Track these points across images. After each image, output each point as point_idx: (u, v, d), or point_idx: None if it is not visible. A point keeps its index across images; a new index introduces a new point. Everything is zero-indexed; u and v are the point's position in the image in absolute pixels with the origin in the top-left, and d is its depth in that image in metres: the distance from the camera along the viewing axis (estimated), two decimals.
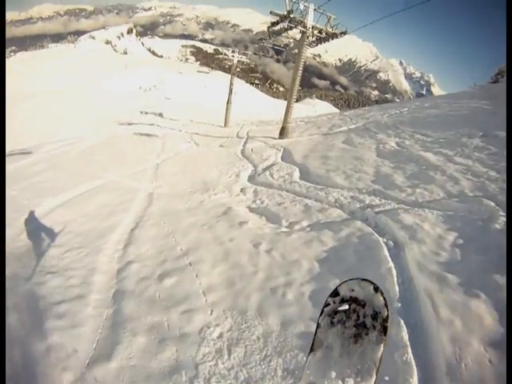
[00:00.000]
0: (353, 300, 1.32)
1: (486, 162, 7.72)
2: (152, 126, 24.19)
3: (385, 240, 4.69)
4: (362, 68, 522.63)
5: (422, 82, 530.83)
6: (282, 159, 11.10)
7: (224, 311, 3.55)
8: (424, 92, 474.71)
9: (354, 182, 7.65)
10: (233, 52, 28.09)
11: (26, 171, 10.87)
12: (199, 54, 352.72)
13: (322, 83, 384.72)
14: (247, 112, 45.97)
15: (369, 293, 1.31)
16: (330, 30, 15.93)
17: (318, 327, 1.34)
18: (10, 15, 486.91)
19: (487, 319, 2.97)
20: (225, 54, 28.94)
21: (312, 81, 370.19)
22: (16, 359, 3.03)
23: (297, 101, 16.80)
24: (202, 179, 9.21)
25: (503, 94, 11.43)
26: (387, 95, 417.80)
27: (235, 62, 27.85)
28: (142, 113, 37.64)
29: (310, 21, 15.12)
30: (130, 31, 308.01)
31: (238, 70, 29.77)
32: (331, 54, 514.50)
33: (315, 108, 77.68)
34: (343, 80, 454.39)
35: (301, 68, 15.82)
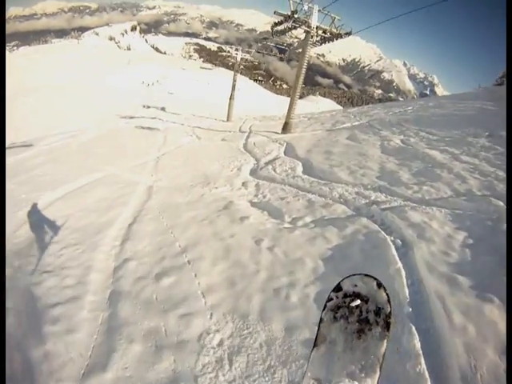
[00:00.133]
0: (356, 295, 1.32)
1: (493, 162, 7.52)
2: (154, 119, 23.97)
3: (392, 238, 4.50)
4: (366, 68, 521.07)
5: (425, 83, 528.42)
6: (285, 153, 10.94)
7: (224, 315, 3.37)
8: (428, 92, 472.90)
9: (359, 177, 7.47)
10: (236, 50, 27.94)
11: (26, 164, 10.70)
12: (203, 51, 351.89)
13: (325, 81, 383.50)
14: (250, 108, 45.79)
15: (372, 288, 1.30)
16: (335, 30, 15.82)
17: (321, 322, 1.33)
18: (13, 10, 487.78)
19: (501, 325, 2.80)
20: (228, 52, 28.75)
21: (315, 79, 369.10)
22: (7, 368, 2.82)
23: (300, 98, 16.67)
24: (202, 172, 9.05)
25: None
26: (391, 94, 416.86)
27: (238, 59, 27.78)
28: (144, 107, 37.38)
29: (314, 21, 14.98)
30: (133, 28, 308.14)
31: (242, 67, 29.62)
32: (335, 53, 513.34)
33: (318, 105, 77.50)
34: (347, 79, 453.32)
35: (304, 66, 15.66)
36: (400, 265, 3.80)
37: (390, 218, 5.13)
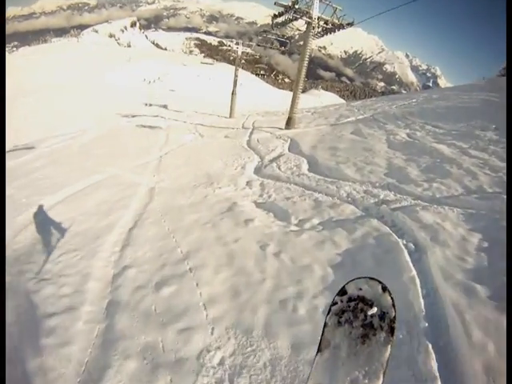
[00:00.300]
0: (360, 299, 1.29)
1: (502, 156, 7.30)
2: (156, 117, 23.76)
3: (404, 242, 4.29)
4: (368, 60, 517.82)
5: (428, 75, 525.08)
6: (289, 150, 10.73)
7: (227, 329, 3.15)
8: (430, 84, 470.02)
9: (366, 174, 7.26)
10: (237, 44, 27.61)
11: (26, 167, 10.58)
12: (203, 46, 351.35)
13: (327, 75, 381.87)
14: (253, 103, 45.50)
15: (376, 292, 1.27)
16: (337, 21, 15.57)
17: (325, 326, 1.30)
18: (12, 10, 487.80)
19: None
20: (229, 46, 28.46)
21: (318, 72, 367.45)
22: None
23: (303, 92, 16.45)
24: (206, 172, 8.86)
25: None
26: (393, 87, 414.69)
27: (240, 53, 27.39)
28: (145, 105, 37.20)
29: (315, 12, 14.73)
30: (133, 24, 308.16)
31: (243, 61, 29.40)
32: (336, 46, 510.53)
33: (321, 99, 77.18)
34: (349, 72, 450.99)
35: (307, 58, 15.42)
36: (414, 272, 3.59)
37: (401, 218, 4.92)
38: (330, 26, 15.72)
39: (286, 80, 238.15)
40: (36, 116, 29.31)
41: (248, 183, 7.60)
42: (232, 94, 27.29)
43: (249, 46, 28.19)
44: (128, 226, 5.73)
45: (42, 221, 6.22)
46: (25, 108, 32.54)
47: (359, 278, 1.31)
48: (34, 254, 4.93)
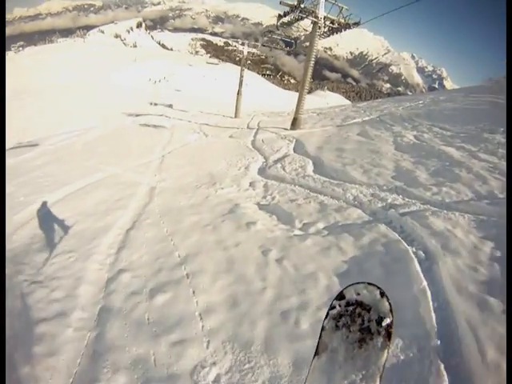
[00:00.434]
0: (358, 304, 1.30)
1: None
2: (160, 117, 23.63)
3: (414, 250, 4.03)
4: (374, 61, 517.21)
5: (434, 76, 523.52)
6: (295, 151, 10.52)
7: (223, 343, 2.91)
8: (436, 86, 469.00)
9: (373, 177, 7.02)
10: (242, 44, 27.46)
11: (28, 165, 10.51)
12: (209, 46, 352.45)
13: (333, 76, 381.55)
14: (258, 103, 45.49)
15: (374, 297, 1.29)
16: (343, 20, 15.43)
17: (322, 330, 1.31)
18: (17, 12, 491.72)
19: None
20: (235, 46, 28.37)
21: (323, 73, 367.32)
22: None
23: (308, 92, 16.28)
24: (208, 172, 8.69)
25: None
26: (399, 88, 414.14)
27: (245, 53, 27.25)
28: (151, 104, 37.16)
29: (321, 11, 14.54)
30: (139, 25, 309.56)
31: (249, 62, 29.29)
32: (342, 47, 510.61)
33: (327, 100, 77.12)
34: (354, 73, 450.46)
35: (313, 59, 15.20)
36: (425, 283, 3.35)
37: (410, 224, 4.67)
38: (336, 25, 15.60)
39: (292, 81, 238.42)
40: (42, 115, 29.27)
41: (251, 184, 7.40)
42: (237, 94, 27.19)
43: (254, 46, 28.12)
44: (126, 226, 5.54)
45: (39, 220, 6.07)
46: (30, 107, 32.59)
47: (358, 282, 1.32)
48: (29, 254, 4.77)
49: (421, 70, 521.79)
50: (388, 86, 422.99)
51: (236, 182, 7.55)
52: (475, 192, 5.69)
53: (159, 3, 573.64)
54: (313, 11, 14.43)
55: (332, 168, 7.94)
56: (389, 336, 1.22)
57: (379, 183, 6.63)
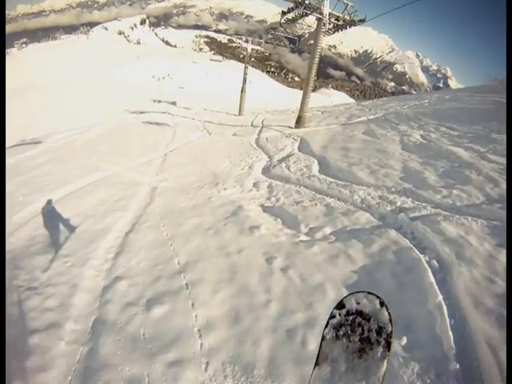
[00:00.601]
0: (358, 313, 1.28)
1: None
2: (164, 114, 23.51)
3: (427, 258, 3.82)
4: (378, 60, 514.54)
5: (438, 75, 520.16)
6: (299, 150, 10.31)
7: (223, 365, 2.69)
8: (441, 85, 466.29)
9: (381, 178, 6.81)
10: (246, 41, 27.28)
11: (29, 163, 10.37)
12: (213, 43, 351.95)
13: (337, 74, 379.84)
14: (262, 101, 45.28)
15: (375, 307, 1.27)
16: (348, 17, 15.23)
17: (323, 340, 1.30)
18: (21, 8, 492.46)
19: None
20: (239, 43, 28.25)
21: (327, 71, 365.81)
22: None
23: (313, 91, 16.08)
24: (211, 171, 8.51)
25: None
26: (404, 87, 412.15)
27: (249, 50, 27.04)
28: (154, 101, 37.06)
29: (326, 7, 14.35)
30: (143, 22, 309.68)
31: (253, 59, 29.11)
32: (346, 45, 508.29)
33: (331, 98, 76.87)
34: (359, 71, 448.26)
35: (317, 56, 15.00)
36: (440, 297, 3.14)
37: (422, 230, 4.45)
38: (341, 22, 15.41)
39: (296, 79, 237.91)
40: (45, 112, 29.25)
41: (255, 184, 7.19)
42: (241, 91, 27.11)
43: (258, 43, 27.91)
44: (125, 229, 5.35)
45: (38, 221, 5.91)
46: (34, 104, 32.56)
47: (358, 291, 1.31)
48: (26, 258, 4.61)
49: (425, 69, 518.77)
50: (392, 84, 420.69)
51: (239, 183, 7.35)
52: (487, 195, 5.50)
53: (163, 0, 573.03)
54: (317, 7, 14.25)
55: (338, 168, 7.74)
56: (388, 346, 1.21)
57: (387, 185, 6.42)
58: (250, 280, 3.67)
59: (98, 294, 3.72)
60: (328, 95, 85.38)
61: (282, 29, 18.65)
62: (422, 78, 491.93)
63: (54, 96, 37.46)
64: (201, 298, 3.45)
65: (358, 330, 1.25)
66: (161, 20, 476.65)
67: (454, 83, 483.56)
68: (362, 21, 15.41)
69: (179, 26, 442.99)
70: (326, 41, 15.93)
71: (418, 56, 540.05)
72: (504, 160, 7.05)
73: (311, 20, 15.16)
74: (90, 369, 2.75)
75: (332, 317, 1.31)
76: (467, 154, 7.73)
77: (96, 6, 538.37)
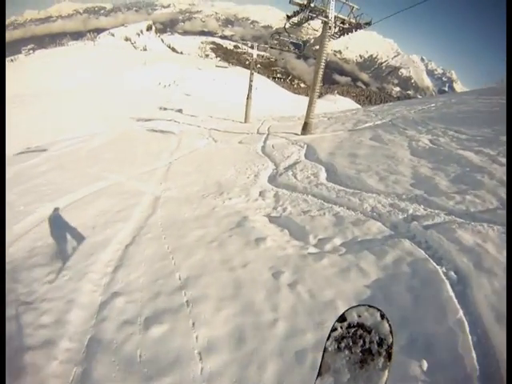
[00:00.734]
0: (359, 326, 1.29)
1: None
2: (169, 122, 23.59)
3: (444, 270, 3.55)
4: (383, 64, 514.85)
5: (444, 79, 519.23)
6: (306, 157, 10.12)
7: None
8: (446, 89, 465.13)
9: (391, 185, 6.56)
10: (251, 47, 27.31)
11: (31, 172, 10.34)
12: (219, 50, 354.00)
13: (343, 79, 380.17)
14: (268, 108, 45.30)
15: (375, 320, 1.27)
16: (354, 20, 15.14)
17: (325, 351, 1.29)
18: (28, 14, 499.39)
19: None
20: (244, 49, 28.32)
21: (333, 77, 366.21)
22: None
23: (318, 97, 15.95)
24: (216, 180, 8.35)
25: None
26: (409, 92, 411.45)
27: (255, 56, 27.15)
28: (160, 109, 37.20)
29: (332, 11, 14.27)
30: (149, 28, 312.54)
31: (258, 66, 29.12)
32: (352, 50, 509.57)
33: (337, 104, 76.89)
34: (364, 76, 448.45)
35: (323, 61, 14.89)
36: (461, 313, 2.88)
37: (436, 239, 4.19)
38: (347, 25, 15.32)
39: (302, 85, 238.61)
40: (50, 119, 29.43)
41: (261, 193, 6.97)
42: (247, 98, 27.18)
43: (264, 49, 27.91)
44: (125, 241, 5.16)
45: (38, 231, 5.81)
46: (40, 111, 32.76)
47: (359, 305, 1.31)
48: (24, 270, 4.49)
49: (430, 73, 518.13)
50: (398, 89, 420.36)
51: (245, 192, 7.15)
52: (500, 200, 5.27)
53: (169, 6, 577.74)
54: (323, 10, 14.16)
55: (346, 175, 7.52)
56: (389, 356, 1.22)
57: (398, 192, 6.17)
58: (255, 297, 3.43)
59: (95, 311, 3.54)
60: (334, 101, 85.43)
61: (287, 33, 18.61)
62: (428, 82, 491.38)
63: (61, 102, 37.82)
64: (202, 316, 3.22)
65: (359, 342, 1.27)
66: (167, 26, 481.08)
67: (459, 86, 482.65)
68: (368, 23, 15.27)
69: (185, 32, 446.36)
70: (331, 46, 15.84)
71: (422, 60, 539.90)
72: None
73: (316, 25, 15.15)
74: None
75: (334, 329, 1.32)
76: (478, 157, 7.49)
77: (103, 11, 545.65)
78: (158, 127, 19.91)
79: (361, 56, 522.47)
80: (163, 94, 57.19)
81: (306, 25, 15.89)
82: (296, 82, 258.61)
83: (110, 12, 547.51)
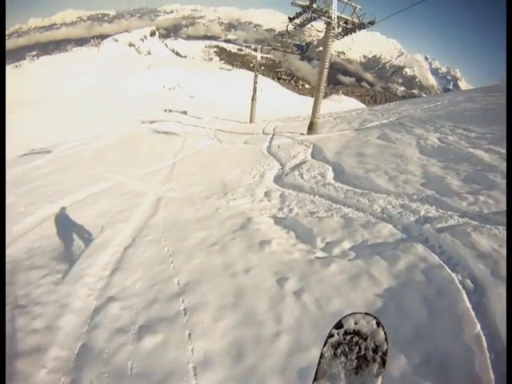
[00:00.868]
0: (356, 333, 1.30)
1: None
2: (174, 123, 23.48)
3: (460, 278, 3.28)
4: (387, 64, 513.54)
5: (448, 77, 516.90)
6: (312, 156, 9.93)
7: None
8: (451, 87, 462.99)
9: (401, 185, 6.31)
10: (255, 49, 27.58)
11: (33, 173, 10.27)
12: (223, 53, 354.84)
13: (347, 80, 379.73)
14: (273, 109, 45.26)
15: (371, 327, 1.29)
16: (357, 20, 15.00)
17: (321, 357, 1.31)
18: (33, 22, 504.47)
19: None
20: (248, 52, 28.38)
21: (338, 78, 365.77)
22: None
23: (323, 97, 15.78)
24: (221, 180, 8.20)
25: None
26: (414, 91, 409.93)
27: (259, 58, 27.36)
28: (165, 111, 37.24)
29: (334, 11, 14.15)
30: (152, 34, 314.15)
31: (263, 68, 29.22)
32: (355, 50, 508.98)
33: (342, 104, 76.80)
34: (369, 76, 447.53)
35: (327, 61, 14.77)
36: (478, 327, 2.62)
37: (450, 243, 3.91)
38: (350, 25, 15.20)
39: (307, 86, 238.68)
40: (55, 122, 29.55)
41: (267, 194, 6.77)
42: (252, 99, 27.36)
43: (267, 51, 27.97)
44: (124, 243, 5.00)
45: (37, 233, 5.72)
46: (45, 115, 32.91)
47: (355, 312, 1.33)
48: (20, 272, 4.38)
49: (435, 72, 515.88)
50: (402, 88, 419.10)
51: (250, 192, 6.95)
52: None
53: (172, 12, 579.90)
54: (326, 11, 14.06)
55: (354, 175, 7.29)
56: (383, 363, 1.24)
57: (408, 192, 5.92)
58: (257, 306, 3.19)
59: (88, 317, 3.38)
60: (339, 101, 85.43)
61: (289, 35, 18.52)
62: (432, 80, 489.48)
63: (65, 108, 37.89)
64: (199, 327, 3.00)
65: (355, 349, 1.28)
66: (170, 31, 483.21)
67: (463, 85, 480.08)
68: (371, 23, 15.13)
69: (189, 37, 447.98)
70: (334, 47, 15.69)
71: (426, 59, 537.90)
72: None
73: (320, 26, 15.12)
74: None
75: (331, 336, 1.33)
76: (488, 156, 7.23)
77: (106, 18, 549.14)
78: (163, 129, 19.86)
79: (364, 56, 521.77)
80: (168, 96, 57.30)
81: (308, 26, 15.80)
82: (301, 83, 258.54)
83: (114, 19, 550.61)
